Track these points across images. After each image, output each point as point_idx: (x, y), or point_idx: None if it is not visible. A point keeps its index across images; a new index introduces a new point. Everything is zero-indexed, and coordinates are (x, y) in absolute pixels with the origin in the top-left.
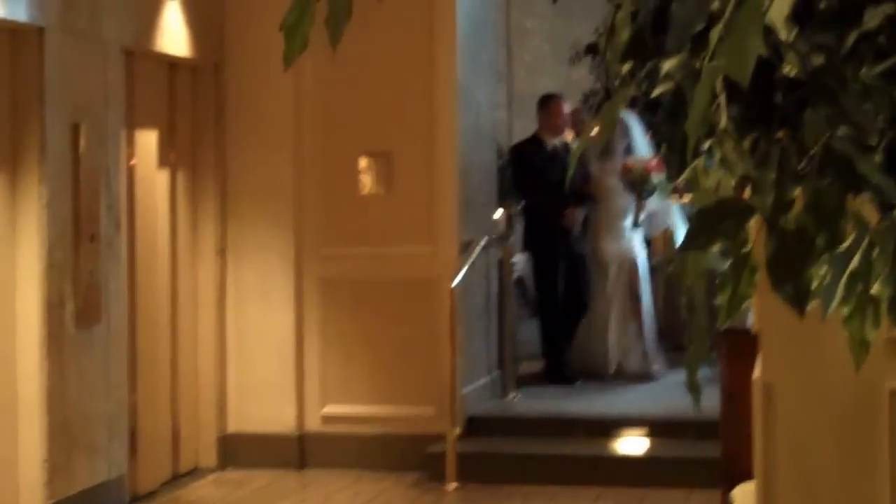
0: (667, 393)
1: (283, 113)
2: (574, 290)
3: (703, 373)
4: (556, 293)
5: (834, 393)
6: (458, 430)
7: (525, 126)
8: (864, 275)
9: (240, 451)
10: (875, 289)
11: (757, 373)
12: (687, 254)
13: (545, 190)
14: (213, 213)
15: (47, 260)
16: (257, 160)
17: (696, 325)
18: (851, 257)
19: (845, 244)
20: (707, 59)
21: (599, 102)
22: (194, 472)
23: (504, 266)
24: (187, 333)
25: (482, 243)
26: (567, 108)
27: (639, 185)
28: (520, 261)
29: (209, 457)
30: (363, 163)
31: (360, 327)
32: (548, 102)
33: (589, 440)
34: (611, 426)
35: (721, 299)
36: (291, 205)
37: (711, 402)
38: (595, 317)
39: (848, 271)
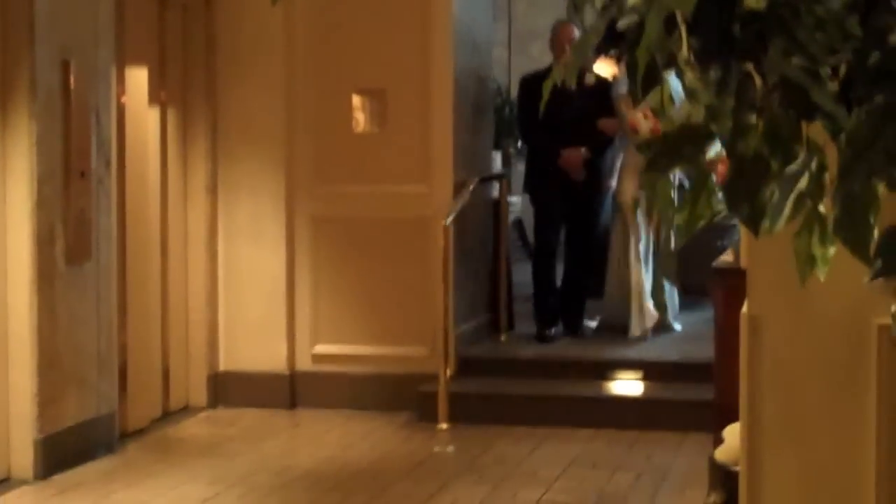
0: (664, 336)
1: (274, 50)
2: (577, 242)
3: (702, 314)
4: (549, 242)
5: (821, 327)
6: (450, 371)
7: (523, 64)
8: (812, 194)
9: (230, 389)
10: (822, 208)
11: (744, 307)
12: (656, 178)
13: (547, 129)
14: (203, 151)
15: (37, 196)
16: (248, 98)
17: (665, 246)
18: (800, 177)
19: (794, 165)
20: None
21: (628, 62)
22: (185, 410)
23: (500, 207)
24: (177, 272)
25: (475, 182)
26: (576, 34)
27: (644, 149)
28: (517, 202)
29: (199, 395)
30: (356, 100)
31: (352, 266)
32: (554, 28)
33: (582, 382)
34: (605, 368)
35: (679, 219)
36: (283, 143)
37: (708, 344)
38: (617, 267)
39: (796, 190)
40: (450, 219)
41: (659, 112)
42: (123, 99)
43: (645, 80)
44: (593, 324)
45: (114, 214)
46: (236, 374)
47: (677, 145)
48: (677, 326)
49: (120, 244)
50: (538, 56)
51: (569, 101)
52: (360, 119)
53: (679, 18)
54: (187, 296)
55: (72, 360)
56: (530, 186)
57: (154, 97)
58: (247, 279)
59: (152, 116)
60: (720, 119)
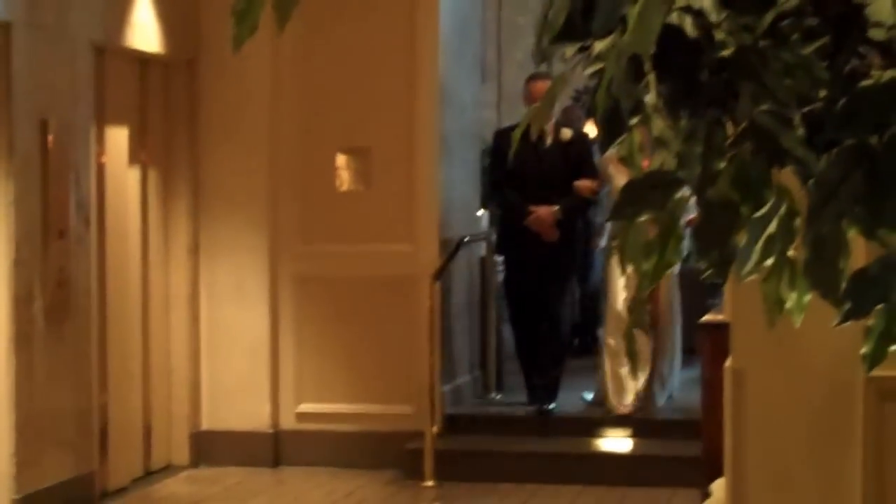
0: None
1: (258, 109)
2: (550, 309)
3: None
4: (520, 311)
5: (807, 380)
6: (436, 428)
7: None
8: (781, 238)
9: (213, 448)
10: (791, 252)
11: (728, 361)
12: (627, 227)
13: (517, 184)
14: (185, 211)
15: (15, 255)
16: (231, 157)
17: (638, 296)
18: (769, 222)
19: (762, 210)
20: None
21: (589, 106)
22: (167, 469)
23: (486, 265)
24: (159, 331)
25: (464, 241)
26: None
27: None
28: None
29: (181, 454)
30: (341, 159)
31: (336, 325)
32: (527, 83)
33: (570, 438)
34: (592, 425)
35: (646, 266)
36: (266, 202)
37: (696, 399)
38: (605, 344)
39: (765, 235)
40: (436, 276)
41: (628, 161)
42: (103, 158)
43: (607, 125)
44: (589, 396)
45: (94, 273)
46: (219, 432)
47: (643, 192)
48: (661, 400)
49: (100, 303)
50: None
51: (542, 157)
52: (345, 178)
53: (647, 66)
54: (169, 355)
55: (51, 419)
56: (502, 246)
57: (135, 157)
58: (230, 338)
59: (133, 176)
60: (689, 165)
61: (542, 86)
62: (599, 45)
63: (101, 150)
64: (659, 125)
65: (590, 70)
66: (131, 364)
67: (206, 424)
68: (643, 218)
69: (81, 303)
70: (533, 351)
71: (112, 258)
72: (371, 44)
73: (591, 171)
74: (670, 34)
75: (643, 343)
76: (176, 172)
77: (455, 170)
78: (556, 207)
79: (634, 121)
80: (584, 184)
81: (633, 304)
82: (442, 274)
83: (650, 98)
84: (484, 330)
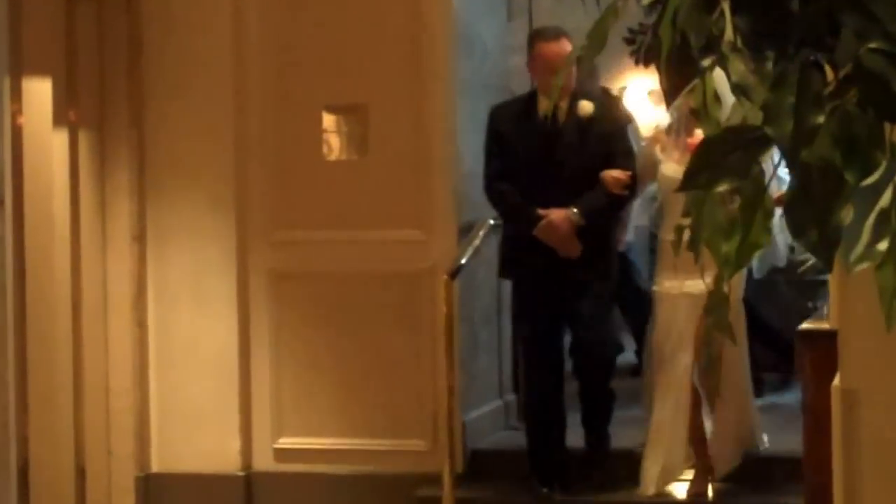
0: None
1: (219, 54)
2: (584, 351)
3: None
4: (535, 356)
5: None
6: (457, 469)
7: None
8: None
9: (167, 495)
10: None
11: (836, 379)
12: (700, 202)
13: (522, 179)
14: (127, 187)
15: None
16: (186, 117)
17: (717, 292)
18: (881, 192)
19: (873, 177)
20: None
21: (649, 45)
22: None
23: None
24: (95, 344)
25: (486, 226)
26: (567, 48)
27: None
28: None
29: (125, 502)
30: (328, 120)
31: (325, 336)
32: (531, 43)
33: (629, 485)
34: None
35: (728, 248)
36: (232, 176)
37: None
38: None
39: (877, 209)
40: (454, 272)
41: (700, 113)
42: (20, 119)
43: (674, 68)
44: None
45: (9, 269)
46: (174, 476)
47: (721, 154)
48: (765, 442)
49: (17, 307)
50: None
51: (553, 142)
52: (334, 144)
53: None
54: (108, 375)
55: None
56: (506, 268)
57: (61, 116)
58: (186, 353)
59: (59, 142)
60: (778, 120)
61: (556, 48)
62: None
63: (17, 107)
64: (738, 68)
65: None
66: (59, 386)
67: (156, 465)
68: (722, 188)
69: None
70: (553, 414)
71: (32, 249)
72: None
73: (626, 159)
74: None
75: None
76: (115, 137)
77: (476, 133)
78: (574, 210)
79: (707, 62)
80: (613, 174)
81: (711, 303)
82: (461, 269)
83: (727, 33)
84: (515, 342)
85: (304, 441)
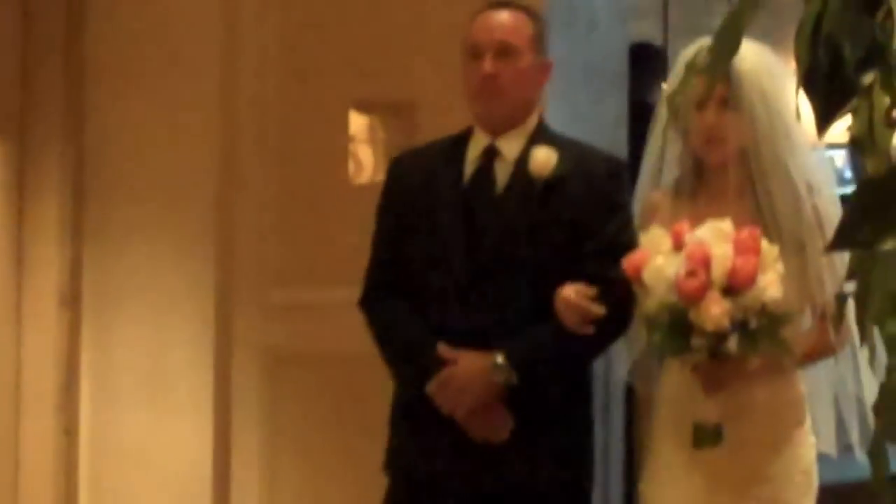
0: None
1: (200, 28)
2: None
3: None
4: None
5: None
6: None
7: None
8: None
9: None
10: None
11: None
12: (867, 264)
13: (427, 286)
14: (55, 224)
15: None
16: (147, 124)
17: (890, 386)
18: None
19: None
20: None
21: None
22: None
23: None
24: (3, 454)
25: None
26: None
27: (652, 330)
28: None
29: None
30: (358, 122)
31: (339, 445)
32: (481, 30)
33: None
34: None
35: (891, 328)
36: (213, 209)
37: None
38: None
39: None
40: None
41: (866, 145)
42: None
43: (820, 92)
44: None
45: None
46: None
47: (886, 200)
48: None
49: None
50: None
51: (485, 218)
52: (365, 158)
53: None
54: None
55: None
56: (389, 453)
57: None
58: (134, 473)
59: None
60: None
61: (494, 22)
62: None
63: None
64: None
65: None
66: None
67: None
68: (890, 245)
69: None
70: None
71: None
72: None
73: (606, 260)
74: None
75: None
76: (41, 151)
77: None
78: (499, 357)
79: (869, 78)
80: (572, 293)
81: (880, 402)
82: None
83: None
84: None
85: None
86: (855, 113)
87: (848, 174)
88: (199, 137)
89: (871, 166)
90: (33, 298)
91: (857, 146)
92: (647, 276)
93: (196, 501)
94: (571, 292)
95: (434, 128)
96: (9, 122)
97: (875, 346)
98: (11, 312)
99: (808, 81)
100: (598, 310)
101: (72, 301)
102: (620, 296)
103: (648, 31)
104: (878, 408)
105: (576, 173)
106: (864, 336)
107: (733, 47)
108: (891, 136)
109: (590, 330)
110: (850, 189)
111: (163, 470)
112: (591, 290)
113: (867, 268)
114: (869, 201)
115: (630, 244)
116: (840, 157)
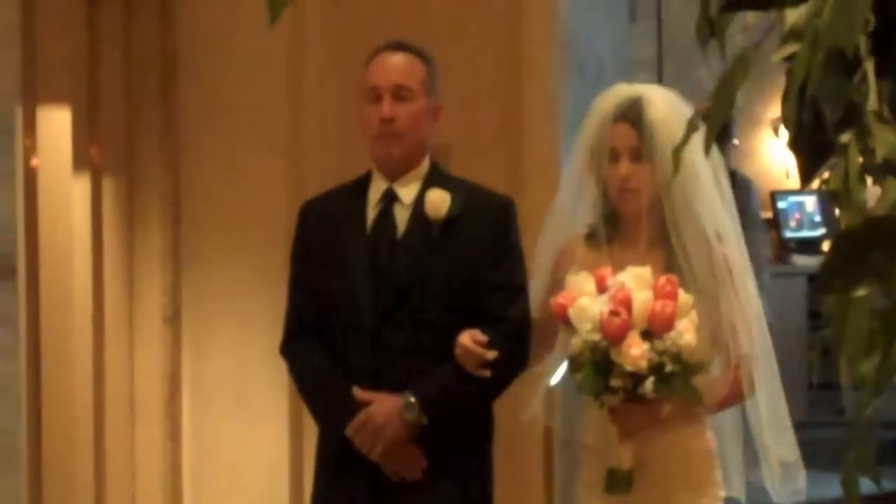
0: None
1: (276, 78)
2: None
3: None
4: None
5: None
6: None
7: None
8: None
9: None
10: None
11: None
12: (842, 308)
13: (336, 335)
14: (159, 251)
15: None
16: (233, 159)
17: (862, 422)
18: None
19: None
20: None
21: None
22: None
23: None
24: (119, 453)
25: None
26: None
27: (575, 366)
28: None
29: None
30: None
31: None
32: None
33: None
34: None
35: (865, 368)
36: (285, 238)
37: None
38: None
39: None
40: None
41: (842, 198)
42: (35, 160)
43: (804, 147)
44: None
45: (21, 357)
46: None
47: (862, 249)
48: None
49: (30, 406)
50: (708, 80)
51: (389, 261)
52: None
53: (864, 49)
54: (134, 493)
55: None
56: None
57: (82, 156)
58: (230, 466)
59: (80, 189)
60: None
61: (390, 65)
62: (793, 15)
63: (30, 143)
64: (888, 140)
65: (781, 54)
66: None
67: None
68: (861, 292)
69: None
70: None
71: (47, 331)
72: None
73: (504, 290)
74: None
75: None
76: (144, 181)
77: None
78: (411, 397)
79: (846, 137)
80: (468, 339)
81: (851, 436)
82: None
83: (871, 100)
84: None
85: None
86: (832, 169)
87: (818, 218)
88: (272, 177)
89: (847, 218)
90: (142, 317)
91: (835, 199)
92: (573, 314)
93: (276, 488)
94: (467, 339)
95: (464, 170)
96: (118, 161)
97: (849, 385)
98: (124, 331)
99: (795, 140)
100: (491, 355)
101: (173, 319)
102: (516, 332)
103: (647, 79)
104: (850, 441)
105: (469, 213)
106: (840, 375)
107: (727, 108)
108: (864, 191)
109: (486, 373)
110: (820, 232)
111: (250, 461)
112: (484, 337)
113: (842, 312)
114: (845, 251)
115: (523, 282)
116: (811, 202)
